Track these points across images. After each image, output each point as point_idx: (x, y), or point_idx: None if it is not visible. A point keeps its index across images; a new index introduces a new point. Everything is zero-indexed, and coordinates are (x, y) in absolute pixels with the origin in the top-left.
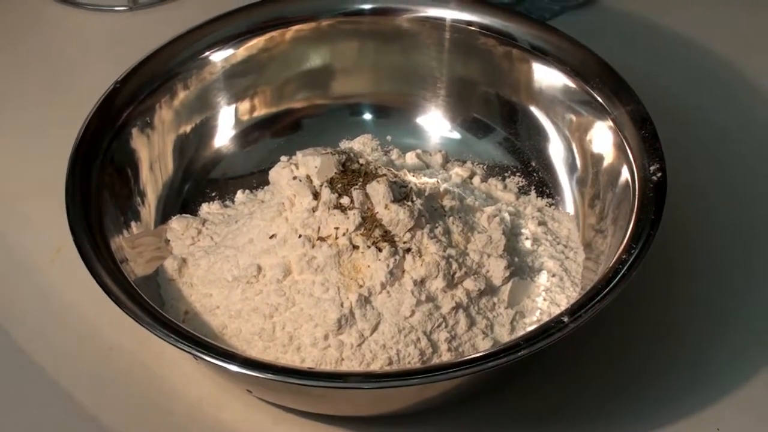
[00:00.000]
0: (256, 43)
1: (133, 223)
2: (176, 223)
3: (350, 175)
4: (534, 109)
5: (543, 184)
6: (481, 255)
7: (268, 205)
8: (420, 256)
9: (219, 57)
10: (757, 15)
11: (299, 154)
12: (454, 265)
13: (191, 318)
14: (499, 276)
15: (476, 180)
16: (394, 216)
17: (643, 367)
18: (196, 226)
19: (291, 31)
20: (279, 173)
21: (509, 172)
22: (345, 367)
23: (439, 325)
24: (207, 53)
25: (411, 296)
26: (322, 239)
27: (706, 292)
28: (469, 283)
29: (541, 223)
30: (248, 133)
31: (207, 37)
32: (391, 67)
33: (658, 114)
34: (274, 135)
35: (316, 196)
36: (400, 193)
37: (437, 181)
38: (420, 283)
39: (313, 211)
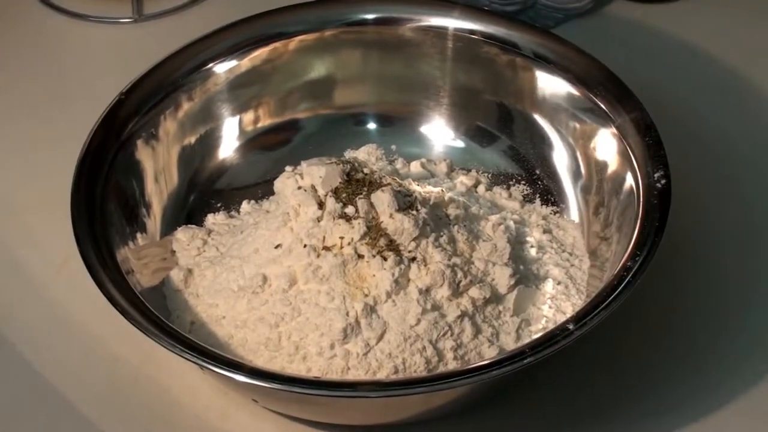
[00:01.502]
0: (260, 54)
1: (138, 235)
2: (182, 234)
3: (355, 185)
4: (538, 117)
5: (548, 192)
6: (486, 263)
7: (273, 215)
8: (425, 265)
9: (223, 68)
10: (761, 22)
11: (304, 164)
12: (459, 274)
13: (197, 328)
14: (505, 284)
15: (481, 188)
16: (398, 225)
17: (649, 374)
18: (201, 236)
19: (294, 42)
20: (284, 183)
21: (514, 180)
22: (351, 376)
23: (444, 334)
24: (211, 64)
25: (416, 305)
26: (327, 249)
27: (710, 299)
28: (475, 292)
29: (546, 231)
30: (253, 143)
31: (211, 49)
32: (394, 77)
33: (661, 121)
34: (279, 145)
35: (320, 205)
36: (405, 202)
37: (442, 190)
38: (425, 291)
39: (318, 221)
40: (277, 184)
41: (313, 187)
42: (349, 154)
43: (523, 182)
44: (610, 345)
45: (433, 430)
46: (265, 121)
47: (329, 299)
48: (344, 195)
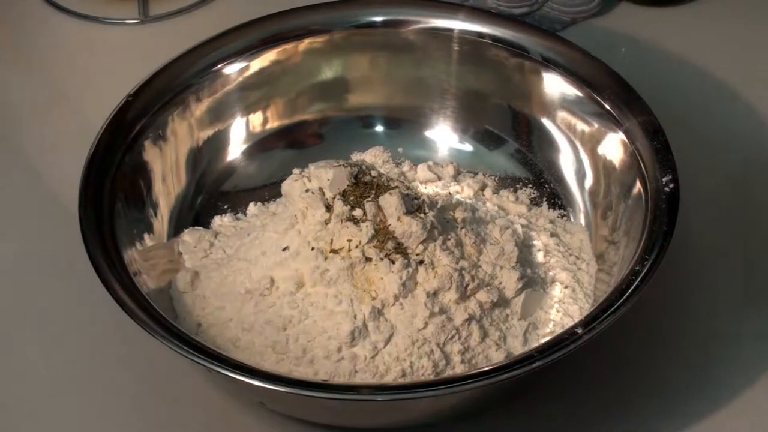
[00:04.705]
0: (269, 55)
1: (146, 236)
2: (189, 236)
3: (362, 188)
4: (545, 121)
5: (555, 195)
6: (493, 267)
7: (280, 217)
8: (433, 268)
9: (231, 70)
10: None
11: (311, 167)
12: (467, 277)
13: (204, 330)
14: (512, 288)
15: (488, 192)
16: (406, 228)
17: (657, 377)
18: (208, 238)
19: (303, 44)
20: (291, 186)
21: (521, 183)
22: (358, 379)
23: (452, 337)
24: (219, 66)
25: (424, 308)
26: (334, 251)
27: (719, 302)
28: (482, 295)
29: (553, 235)
30: (260, 145)
31: (219, 50)
32: (402, 79)
33: (669, 125)
34: (286, 147)
35: (328, 208)
36: (413, 205)
37: (449, 193)
38: (433, 295)
39: (326, 224)
40: (285, 186)
41: (320, 189)
42: (356, 157)
43: (530, 186)
44: (618, 348)
45: None
46: (273, 123)
47: (337, 302)
48: (352, 198)
